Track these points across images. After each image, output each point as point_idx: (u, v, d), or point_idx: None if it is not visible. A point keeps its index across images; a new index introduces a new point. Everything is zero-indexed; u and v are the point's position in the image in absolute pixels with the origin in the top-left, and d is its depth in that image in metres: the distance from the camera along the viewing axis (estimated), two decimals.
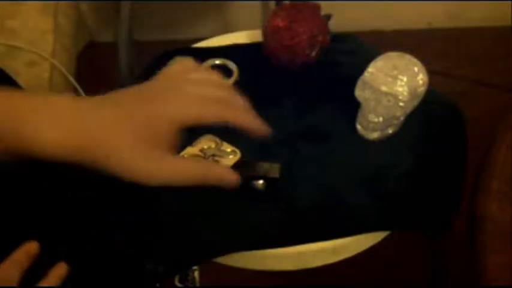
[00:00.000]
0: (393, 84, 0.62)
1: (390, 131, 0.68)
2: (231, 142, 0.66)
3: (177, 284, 0.98)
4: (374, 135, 0.68)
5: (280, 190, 0.63)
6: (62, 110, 0.49)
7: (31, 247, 0.55)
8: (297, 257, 0.64)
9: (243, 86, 0.74)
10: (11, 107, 0.49)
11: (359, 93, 0.65)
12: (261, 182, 0.64)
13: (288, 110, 0.72)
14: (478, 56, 1.67)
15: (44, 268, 0.56)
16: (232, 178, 0.53)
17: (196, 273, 1.02)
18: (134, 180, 0.49)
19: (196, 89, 0.52)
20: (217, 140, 0.66)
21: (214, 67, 0.76)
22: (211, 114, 0.51)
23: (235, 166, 0.64)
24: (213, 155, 0.65)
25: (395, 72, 0.62)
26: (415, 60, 0.63)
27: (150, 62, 0.81)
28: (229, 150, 0.65)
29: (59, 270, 0.56)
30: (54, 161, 0.48)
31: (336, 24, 0.78)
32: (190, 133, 0.67)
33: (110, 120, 0.49)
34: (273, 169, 0.64)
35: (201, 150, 0.65)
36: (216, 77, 0.55)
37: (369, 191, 0.64)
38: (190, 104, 0.51)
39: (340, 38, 0.80)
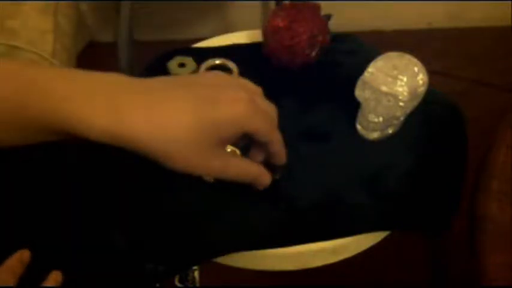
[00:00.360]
0: (393, 84, 0.62)
1: (390, 131, 0.68)
2: (231, 142, 0.66)
3: (177, 284, 0.98)
4: (374, 135, 0.68)
5: (280, 190, 0.63)
6: (113, 95, 0.48)
7: (24, 255, 0.56)
8: (297, 257, 0.64)
9: None
10: (55, 88, 0.47)
11: (359, 93, 0.65)
12: None
13: (288, 110, 0.72)
14: (478, 56, 1.67)
15: (39, 274, 0.56)
16: (265, 180, 0.58)
17: (196, 273, 1.02)
18: (180, 171, 0.51)
19: (260, 101, 0.54)
20: None
21: (214, 67, 0.76)
22: (265, 131, 0.54)
23: None
24: None
25: (395, 72, 0.62)
26: (415, 60, 0.63)
27: (150, 62, 0.81)
28: (229, 150, 0.65)
29: (56, 276, 0.56)
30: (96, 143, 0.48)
31: (336, 24, 0.78)
32: None
33: (174, 115, 0.49)
34: (276, 171, 0.64)
35: None
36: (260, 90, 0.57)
37: (369, 191, 0.64)
38: (256, 116, 0.52)
39: (340, 38, 0.80)
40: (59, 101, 0.47)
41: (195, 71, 0.70)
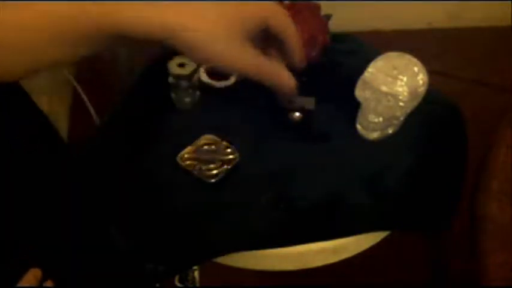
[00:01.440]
0: (393, 84, 0.62)
1: (390, 131, 0.68)
2: (231, 142, 0.66)
3: (177, 284, 0.99)
4: (374, 135, 0.68)
5: (314, 124, 0.68)
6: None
7: (37, 273, 0.58)
8: (297, 257, 0.64)
9: (243, 86, 0.74)
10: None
11: (359, 93, 0.65)
12: (297, 114, 0.68)
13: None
14: (478, 56, 1.67)
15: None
16: (292, 84, 0.60)
17: (196, 273, 1.02)
18: (211, 62, 0.55)
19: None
20: (217, 140, 0.66)
21: (214, 67, 0.76)
22: (286, 24, 0.58)
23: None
24: (213, 155, 0.65)
25: (395, 72, 0.62)
26: (415, 60, 0.63)
27: (150, 61, 0.81)
28: (229, 150, 0.65)
29: (35, 273, 0.57)
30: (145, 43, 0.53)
31: (336, 24, 0.78)
32: (190, 133, 0.67)
33: (203, 6, 0.54)
34: (309, 102, 0.68)
35: (201, 150, 0.65)
36: None
37: (369, 191, 0.64)
38: (277, 9, 0.57)
39: (340, 38, 0.80)
40: (108, 5, 0.51)
41: (195, 70, 0.70)
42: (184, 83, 0.67)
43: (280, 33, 0.58)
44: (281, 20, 0.57)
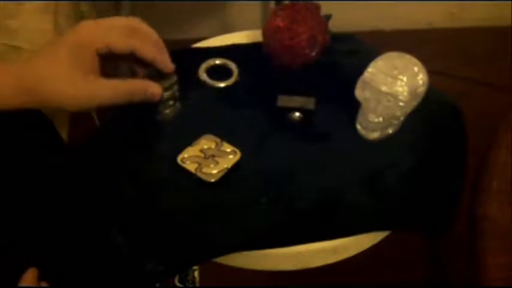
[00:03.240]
0: (393, 84, 0.62)
1: (390, 131, 0.68)
2: (231, 142, 0.66)
3: (177, 284, 0.99)
4: (374, 135, 0.68)
5: (315, 123, 0.69)
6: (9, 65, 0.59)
7: (34, 273, 0.59)
8: (297, 257, 0.64)
9: (243, 86, 0.74)
10: None
11: (359, 93, 0.65)
12: (297, 114, 0.69)
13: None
14: (478, 56, 1.67)
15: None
16: (155, 90, 0.61)
17: (196, 273, 1.02)
18: (65, 104, 0.57)
19: (109, 21, 0.60)
20: (217, 140, 0.66)
21: (214, 67, 0.76)
22: (117, 42, 0.58)
23: None
24: (213, 155, 0.65)
25: (395, 72, 0.62)
26: (415, 60, 0.63)
27: None
28: (229, 150, 0.65)
29: (33, 273, 0.58)
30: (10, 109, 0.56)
31: (336, 24, 0.78)
32: (190, 133, 0.67)
33: (43, 57, 0.57)
34: (309, 102, 0.69)
35: (201, 151, 0.65)
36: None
37: (369, 191, 0.64)
38: (100, 31, 0.58)
39: (340, 38, 0.80)
40: None
41: (175, 82, 0.67)
42: (164, 95, 0.65)
43: (116, 51, 0.58)
44: (107, 40, 0.58)
